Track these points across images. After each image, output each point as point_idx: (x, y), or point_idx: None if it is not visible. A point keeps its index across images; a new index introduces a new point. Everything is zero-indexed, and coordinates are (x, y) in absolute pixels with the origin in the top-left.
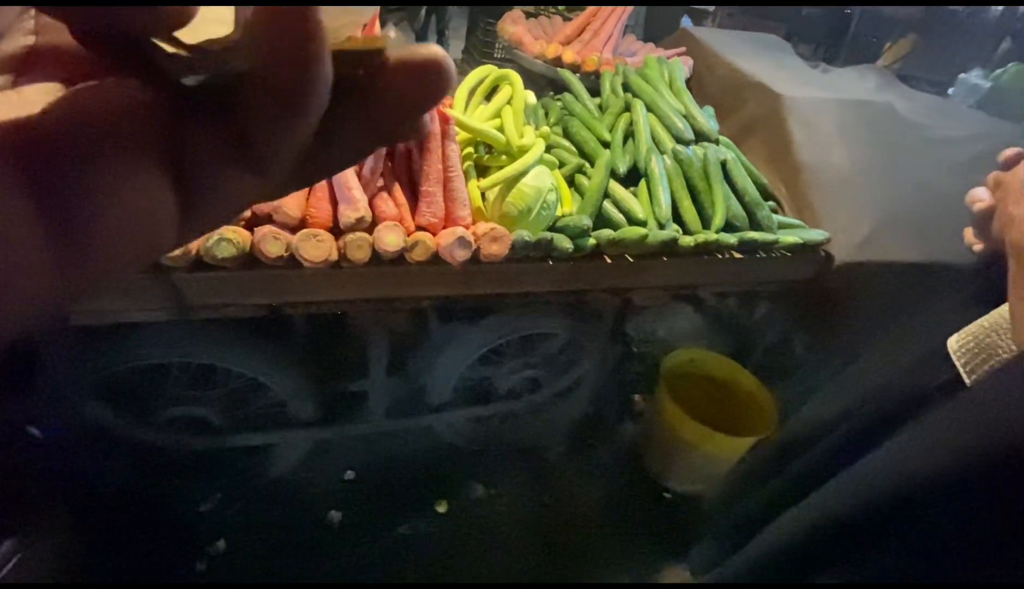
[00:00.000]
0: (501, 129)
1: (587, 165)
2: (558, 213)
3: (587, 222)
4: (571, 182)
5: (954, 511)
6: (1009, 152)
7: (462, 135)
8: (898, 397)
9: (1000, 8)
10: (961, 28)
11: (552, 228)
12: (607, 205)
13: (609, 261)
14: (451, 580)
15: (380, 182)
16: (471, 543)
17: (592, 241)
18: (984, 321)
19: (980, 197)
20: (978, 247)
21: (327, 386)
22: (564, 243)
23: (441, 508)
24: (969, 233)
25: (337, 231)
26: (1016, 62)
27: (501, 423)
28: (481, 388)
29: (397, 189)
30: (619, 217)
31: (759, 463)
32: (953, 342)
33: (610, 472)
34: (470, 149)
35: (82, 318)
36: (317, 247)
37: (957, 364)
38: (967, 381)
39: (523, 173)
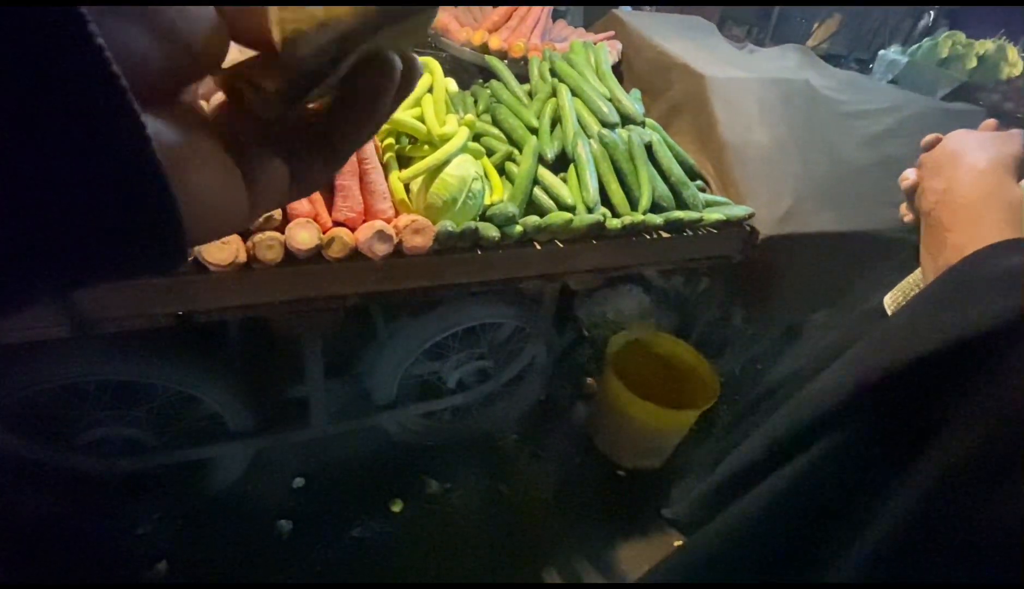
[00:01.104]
0: (422, 118)
1: (516, 152)
2: (487, 201)
3: (513, 210)
4: (502, 170)
5: (860, 426)
6: (930, 137)
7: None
8: (841, 350)
9: None
10: (884, 7)
11: (481, 217)
12: (537, 191)
13: (539, 247)
14: (410, 579)
15: None
16: (428, 540)
17: (519, 228)
18: (910, 277)
19: (907, 176)
20: (908, 218)
21: (264, 394)
22: (490, 232)
23: (396, 507)
24: (903, 207)
25: (246, 231)
26: (930, 38)
27: (452, 416)
28: (429, 383)
29: None
30: (549, 203)
31: (727, 429)
32: (888, 298)
33: (564, 456)
34: (391, 140)
35: None
36: (222, 249)
37: (889, 315)
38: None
39: (445, 163)
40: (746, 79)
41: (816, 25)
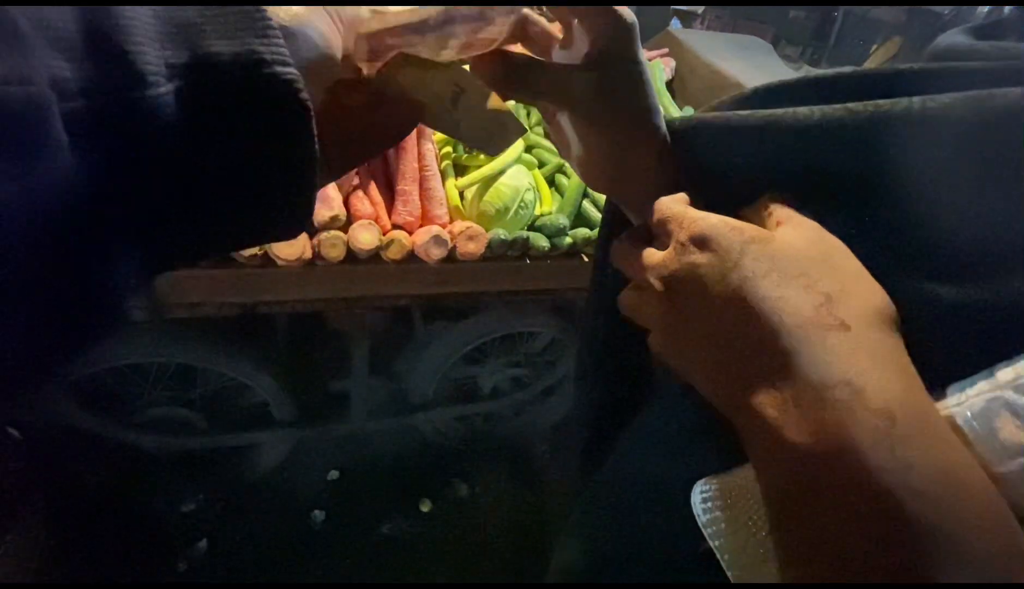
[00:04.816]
0: None
1: (567, 165)
2: (537, 212)
3: (564, 221)
4: (551, 182)
5: None
6: (667, 210)
7: (440, 134)
8: (647, 572)
9: (985, 9)
10: (946, 30)
11: (531, 227)
12: (586, 204)
13: (587, 259)
14: (435, 579)
15: (355, 180)
16: (455, 542)
17: (569, 240)
18: (741, 473)
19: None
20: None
21: (310, 386)
22: (541, 242)
23: (425, 507)
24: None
25: (312, 230)
26: None
27: (485, 422)
28: (465, 387)
29: (373, 188)
30: (598, 216)
31: None
32: (697, 497)
33: None
34: (448, 148)
35: None
36: (291, 245)
37: (711, 543)
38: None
39: (500, 172)
40: None
41: (874, 47)
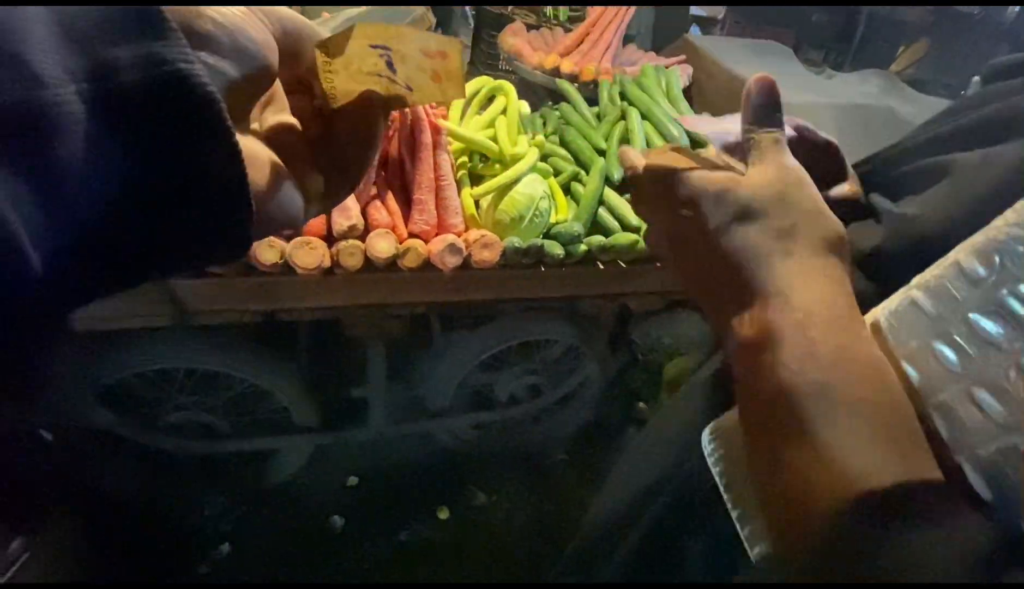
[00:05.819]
0: (495, 138)
1: (583, 173)
2: (552, 220)
3: (578, 228)
4: (567, 190)
5: None
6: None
7: (457, 145)
8: (667, 508)
9: (1016, 9)
10: (975, 31)
11: (545, 235)
12: (602, 212)
13: (602, 267)
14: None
15: (373, 190)
16: (472, 550)
17: (584, 247)
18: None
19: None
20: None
21: (329, 392)
22: (555, 249)
23: (442, 514)
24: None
25: (331, 239)
26: None
27: (502, 430)
28: (482, 394)
29: (390, 197)
30: (613, 223)
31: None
32: (706, 436)
33: None
34: (464, 158)
35: (88, 324)
36: (310, 254)
37: (719, 482)
38: (741, 534)
39: (515, 181)
40: (822, 105)
41: (901, 49)
